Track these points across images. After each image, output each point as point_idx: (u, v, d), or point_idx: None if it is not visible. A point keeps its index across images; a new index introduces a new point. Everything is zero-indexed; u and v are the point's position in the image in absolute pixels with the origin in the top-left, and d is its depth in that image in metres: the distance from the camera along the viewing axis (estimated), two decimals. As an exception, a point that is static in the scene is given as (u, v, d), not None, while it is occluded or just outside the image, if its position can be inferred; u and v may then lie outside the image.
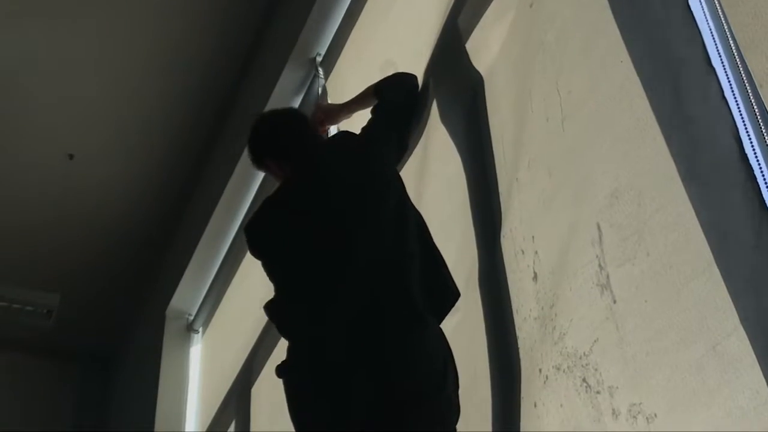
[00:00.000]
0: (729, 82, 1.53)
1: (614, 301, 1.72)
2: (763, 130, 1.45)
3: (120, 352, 6.10)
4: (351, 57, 3.58)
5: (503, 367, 2.07)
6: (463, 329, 2.20)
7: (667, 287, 1.59)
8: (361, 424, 1.87)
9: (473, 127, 2.41)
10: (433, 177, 2.60)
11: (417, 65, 2.73)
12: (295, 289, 2.14)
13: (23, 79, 4.53)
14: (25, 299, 5.01)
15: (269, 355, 3.58)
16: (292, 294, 2.14)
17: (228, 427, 4.22)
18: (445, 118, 2.57)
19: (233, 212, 4.54)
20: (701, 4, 1.63)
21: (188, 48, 4.49)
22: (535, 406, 1.92)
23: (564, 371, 1.84)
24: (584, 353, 1.78)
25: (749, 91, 1.49)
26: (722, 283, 1.46)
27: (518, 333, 2.04)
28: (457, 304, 2.10)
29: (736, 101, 1.50)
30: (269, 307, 2.18)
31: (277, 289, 2.20)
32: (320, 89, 3.63)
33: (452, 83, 2.62)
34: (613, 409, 1.67)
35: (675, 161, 1.62)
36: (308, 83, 3.91)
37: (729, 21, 1.55)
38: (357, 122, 2.62)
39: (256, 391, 3.93)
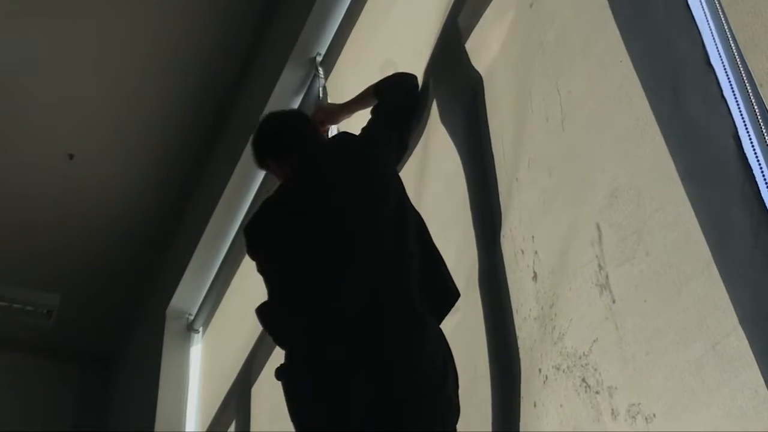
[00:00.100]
0: (729, 81, 1.53)
1: (613, 301, 1.72)
2: (764, 130, 1.45)
3: (120, 352, 6.10)
4: (351, 57, 3.58)
5: (503, 367, 2.07)
6: (463, 329, 2.20)
7: (666, 287, 1.59)
8: (361, 424, 1.87)
9: (473, 127, 2.41)
10: (433, 177, 2.60)
11: (417, 65, 2.73)
12: (293, 289, 2.13)
13: (23, 79, 4.53)
14: (25, 299, 5.01)
15: (269, 355, 3.58)
16: (289, 295, 2.14)
17: (228, 427, 4.22)
18: (445, 118, 2.57)
19: (233, 212, 4.54)
20: (701, 3, 1.63)
21: (188, 48, 4.49)
22: (535, 406, 1.92)
23: (564, 371, 1.84)
24: (584, 353, 1.78)
25: (749, 90, 1.48)
26: (721, 282, 1.46)
27: (518, 333, 2.04)
28: (457, 304, 2.10)
29: (736, 101, 1.50)
30: (262, 311, 2.17)
31: (271, 292, 2.20)
32: (320, 89, 3.62)
33: (452, 83, 2.62)
34: (613, 409, 1.67)
35: (674, 161, 1.61)
36: (308, 83, 3.91)
37: (729, 20, 1.55)
38: (357, 122, 2.62)
39: (256, 391, 3.93)
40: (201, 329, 5.14)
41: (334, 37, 3.75)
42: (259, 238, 2.34)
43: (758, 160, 1.44)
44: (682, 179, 1.58)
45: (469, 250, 2.29)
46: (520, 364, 2.00)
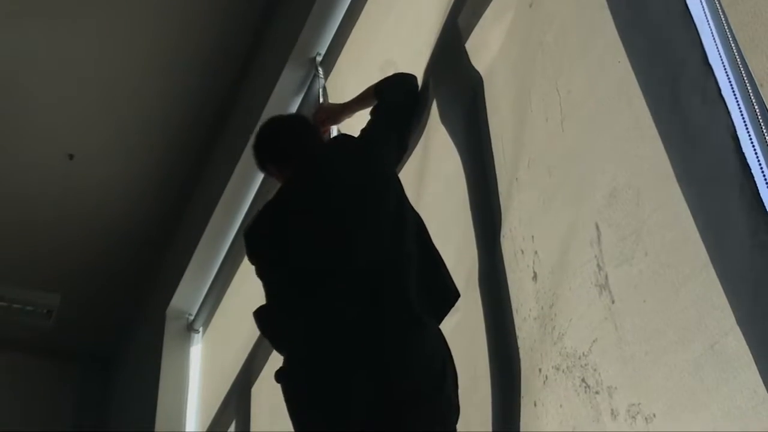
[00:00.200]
0: (729, 81, 1.53)
1: (613, 301, 1.72)
2: (764, 130, 1.45)
3: (120, 352, 6.10)
4: (351, 57, 3.59)
5: (503, 367, 2.07)
6: (463, 329, 2.20)
7: (665, 287, 1.59)
8: (361, 425, 1.87)
9: (473, 127, 2.41)
10: (433, 177, 2.60)
11: (417, 65, 2.73)
12: (292, 290, 2.13)
13: (23, 79, 4.53)
14: (25, 299, 5.01)
15: (269, 355, 3.58)
16: (287, 297, 2.14)
17: (228, 427, 4.22)
18: (444, 118, 2.57)
19: (233, 212, 4.54)
20: (701, 3, 1.63)
21: (188, 48, 4.49)
22: (535, 405, 1.92)
23: (563, 371, 1.84)
24: (583, 353, 1.78)
25: (750, 90, 1.48)
26: (719, 282, 1.46)
27: (518, 333, 2.04)
28: (456, 304, 2.10)
29: (737, 100, 1.50)
30: (259, 315, 2.17)
31: (268, 296, 2.20)
32: (320, 89, 3.62)
33: (452, 83, 2.62)
34: (612, 409, 1.67)
35: (672, 161, 1.61)
36: (308, 83, 3.91)
37: (729, 20, 1.54)
38: (358, 122, 2.63)
39: (256, 391, 3.93)
40: (201, 329, 5.13)
41: (334, 37, 3.75)
42: (259, 241, 2.34)
43: (759, 160, 1.44)
44: (681, 179, 1.58)
45: (469, 250, 2.29)
46: (520, 364, 2.00)
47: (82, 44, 4.41)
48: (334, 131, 2.98)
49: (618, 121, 1.82)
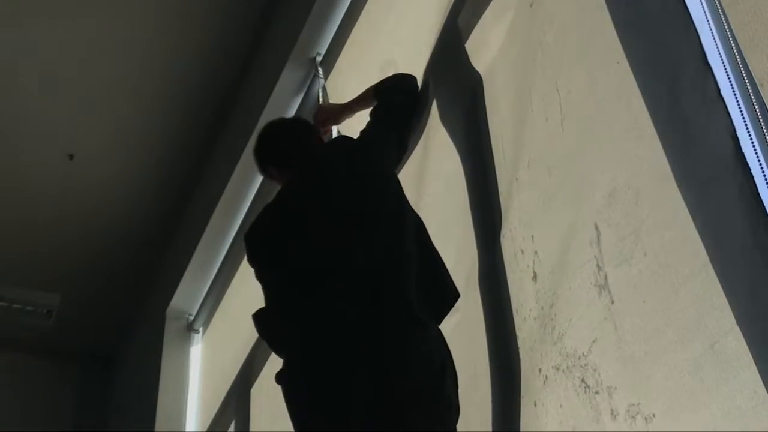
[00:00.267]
0: (729, 81, 1.53)
1: (612, 301, 1.72)
2: (764, 130, 1.45)
3: (120, 352, 6.10)
4: (351, 57, 3.59)
5: (503, 367, 2.07)
6: (463, 329, 2.20)
7: (664, 287, 1.59)
8: (361, 425, 1.87)
9: (473, 127, 2.41)
10: (433, 177, 2.60)
11: (417, 65, 2.73)
12: (291, 291, 2.13)
13: (23, 79, 4.53)
14: (25, 299, 5.02)
15: (269, 356, 3.58)
16: (286, 299, 2.14)
17: (228, 427, 4.22)
18: (444, 118, 2.57)
19: (233, 212, 4.54)
20: (701, 3, 1.63)
21: (187, 48, 4.48)
22: (535, 405, 1.92)
23: (563, 371, 1.84)
24: (583, 353, 1.78)
25: (750, 90, 1.48)
26: (719, 282, 1.46)
27: (518, 333, 2.04)
28: (456, 304, 2.10)
29: (737, 100, 1.50)
30: (258, 318, 2.18)
31: (267, 299, 2.20)
32: (320, 89, 3.62)
33: (452, 83, 2.62)
34: (612, 410, 1.67)
35: (672, 161, 1.61)
36: (308, 83, 3.91)
37: (729, 20, 1.54)
38: (358, 123, 2.63)
39: (256, 391, 3.93)
40: (201, 329, 5.13)
41: (334, 37, 3.75)
42: (259, 243, 2.35)
43: (759, 160, 1.44)
44: (680, 179, 1.58)
45: (469, 250, 2.29)
46: (520, 363, 2.00)
47: (82, 44, 4.40)
48: (334, 132, 2.98)
49: (618, 121, 1.82)
